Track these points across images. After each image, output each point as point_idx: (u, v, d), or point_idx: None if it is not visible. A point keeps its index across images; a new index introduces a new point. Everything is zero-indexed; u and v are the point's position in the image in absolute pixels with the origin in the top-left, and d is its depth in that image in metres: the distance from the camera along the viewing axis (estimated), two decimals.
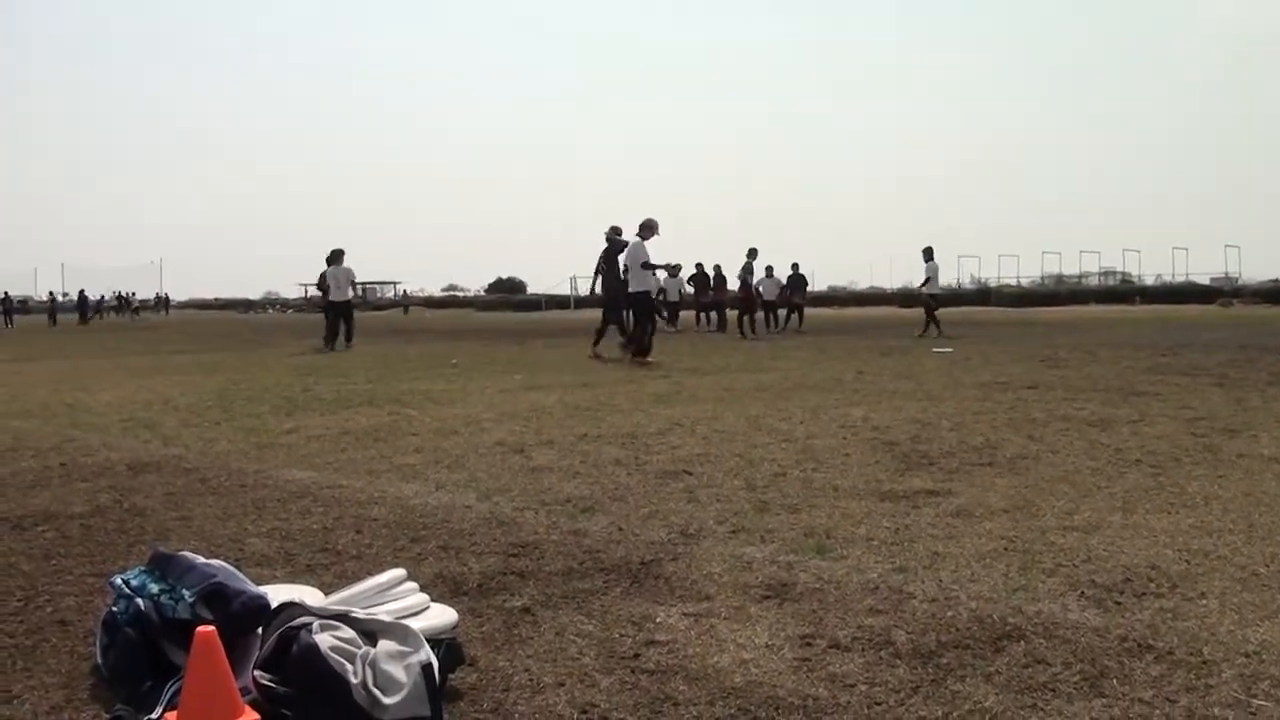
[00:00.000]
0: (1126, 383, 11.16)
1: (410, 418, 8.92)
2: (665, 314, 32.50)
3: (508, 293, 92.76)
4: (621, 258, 16.47)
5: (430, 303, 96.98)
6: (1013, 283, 75.62)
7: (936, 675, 2.93)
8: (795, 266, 30.99)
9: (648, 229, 16.19)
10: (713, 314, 32.01)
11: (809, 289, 33.61)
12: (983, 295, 63.31)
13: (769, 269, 31.32)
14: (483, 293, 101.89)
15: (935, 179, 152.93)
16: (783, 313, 30.26)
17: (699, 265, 32.71)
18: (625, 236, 17.10)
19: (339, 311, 22.23)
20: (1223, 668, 2.96)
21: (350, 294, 22.70)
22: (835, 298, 70.31)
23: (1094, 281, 77.41)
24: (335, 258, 22.47)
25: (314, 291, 30.42)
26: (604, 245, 17.59)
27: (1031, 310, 52.79)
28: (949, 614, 3.45)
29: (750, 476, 5.93)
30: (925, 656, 3.07)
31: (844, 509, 5.04)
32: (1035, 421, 8.05)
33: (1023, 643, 3.17)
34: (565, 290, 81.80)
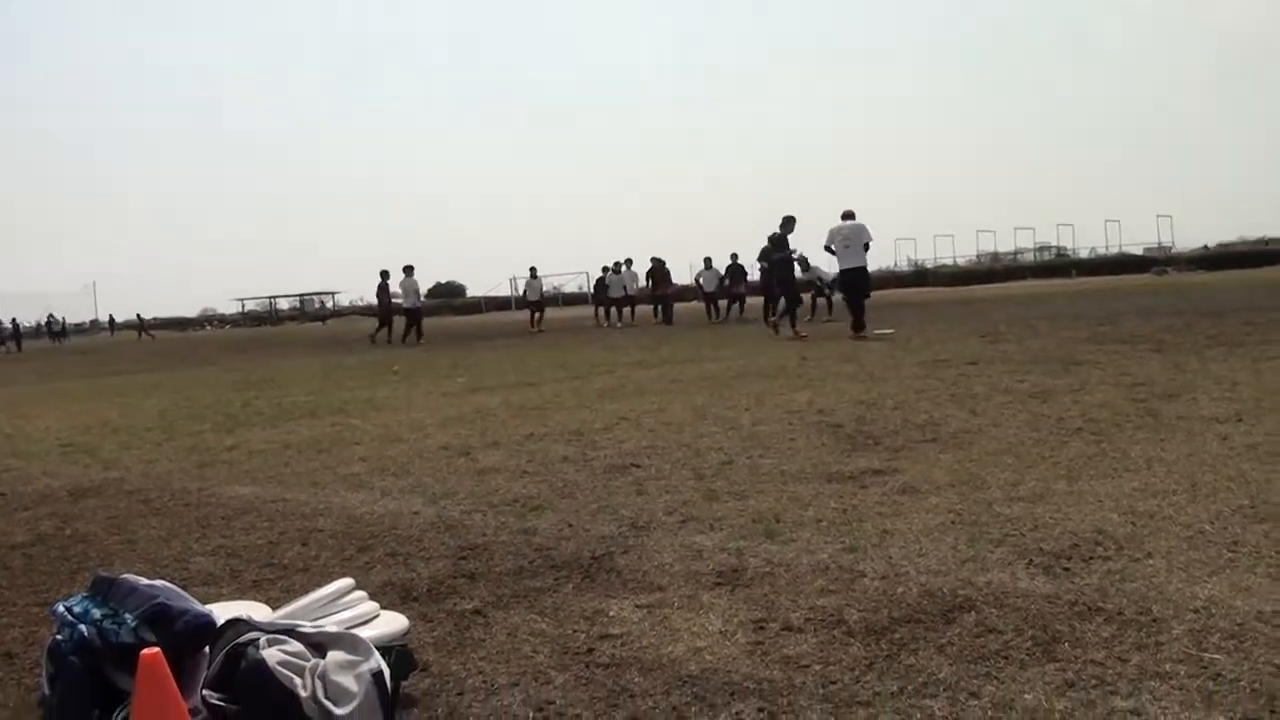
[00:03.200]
0: (1066, 353, 11.31)
1: (353, 427, 8.84)
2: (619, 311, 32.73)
3: (448, 297, 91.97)
4: (840, 239, 17.47)
5: (370, 311, 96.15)
6: (949, 262, 76.33)
7: (890, 651, 2.95)
8: (734, 256, 30.97)
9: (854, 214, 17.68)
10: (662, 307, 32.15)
11: (749, 278, 33.65)
12: (920, 276, 63.91)
13: (707, 260, 31.62)
14: (423, 298, 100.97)
15: (867, 162, 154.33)
16: (724, 303, 30.38)
17: (655, 259, 32.94)
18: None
19: (412, 317, 27.66)
20: (1173, 624, 3.01)
21: (419, 302, 28.50)
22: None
23: (1029, 257, 78.31)
24: (409, 271, 28.05)
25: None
26: (767, 243, 20.45)
27: (969, 288, 53.34)
28: (899, 590, 3.47)
29: (698, 466, 5.94)
30: (878, 633, 3.09)
31: (792, 493, 5.06)
32: (977, 396, 8.13)
33: (974, 613, 3.20)
34: (505, 291, 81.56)
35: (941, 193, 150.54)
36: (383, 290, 28.89)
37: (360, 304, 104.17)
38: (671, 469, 5.92)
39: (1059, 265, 66.26)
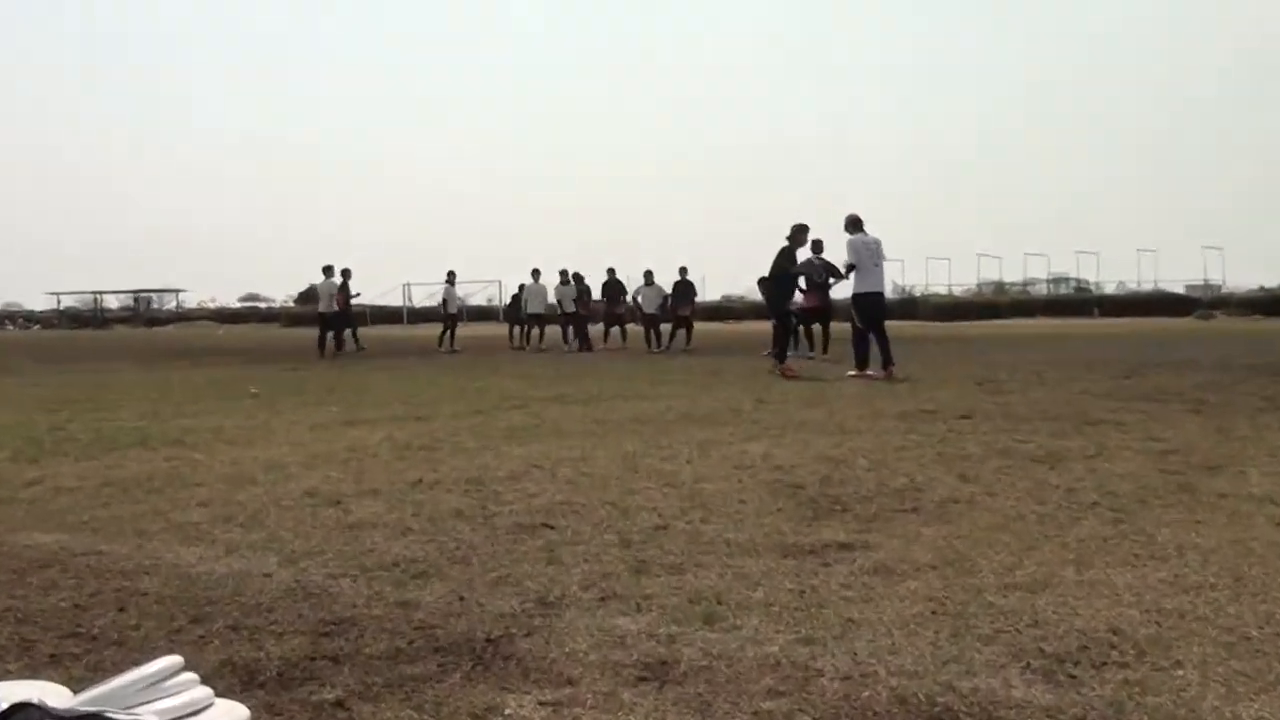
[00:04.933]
0: (1081, 410, 11.46)
1: (195, 462, 8.74)
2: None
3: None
4: (870, 255, 17.95)
5: (222, 316, 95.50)
6: (943, 291, 77.31)
7: None
8: (683, 272, 30.65)
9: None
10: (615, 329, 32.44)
11: (698, 299, 33.65)
12: (908, 306, 64.56)
13: (648, 275, 31.40)
14: (291, 303, 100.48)
15: (850, 170, 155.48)
16: (666, 328, 30.34)
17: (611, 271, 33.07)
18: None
19: (324, 324, 30.65)
20: None
21: (333, 306, 30.99)
22: (731, 310, 70.89)
23: (1042, 289, 79.61)
24: (326, 271, 31.15)
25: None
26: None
27: (966, 324, 54.06)
28: (865, 694, 3.48)
29: (625, 530, 5.94)
30: None
31: (738, 568, 5.07)
32: (970, 458, 8.22)
33: None
34: (397, 300, 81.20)
35: (937, 207, 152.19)
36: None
37: (210, 304, 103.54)
38: (592, 532, 5.91)
39: (1078, 301, 67.46)
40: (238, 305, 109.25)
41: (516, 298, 35.98)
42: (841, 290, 21.28)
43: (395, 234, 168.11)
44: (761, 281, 20.82)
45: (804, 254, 19.99)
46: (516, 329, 35.16)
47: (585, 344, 31.54)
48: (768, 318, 21.06)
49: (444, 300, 35.76)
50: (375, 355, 29.43)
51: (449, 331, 33.64)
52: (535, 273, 34.30)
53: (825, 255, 22.30)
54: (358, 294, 32.59)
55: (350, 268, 31.70)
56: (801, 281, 21.96)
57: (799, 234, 19.19)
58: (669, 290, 30.71)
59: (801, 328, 23.56)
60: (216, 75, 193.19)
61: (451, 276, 35.60)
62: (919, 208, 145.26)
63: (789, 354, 19.15)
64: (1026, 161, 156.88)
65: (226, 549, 5.71)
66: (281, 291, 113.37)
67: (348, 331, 31.42)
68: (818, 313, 23.42)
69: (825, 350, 22.78)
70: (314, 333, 31.47)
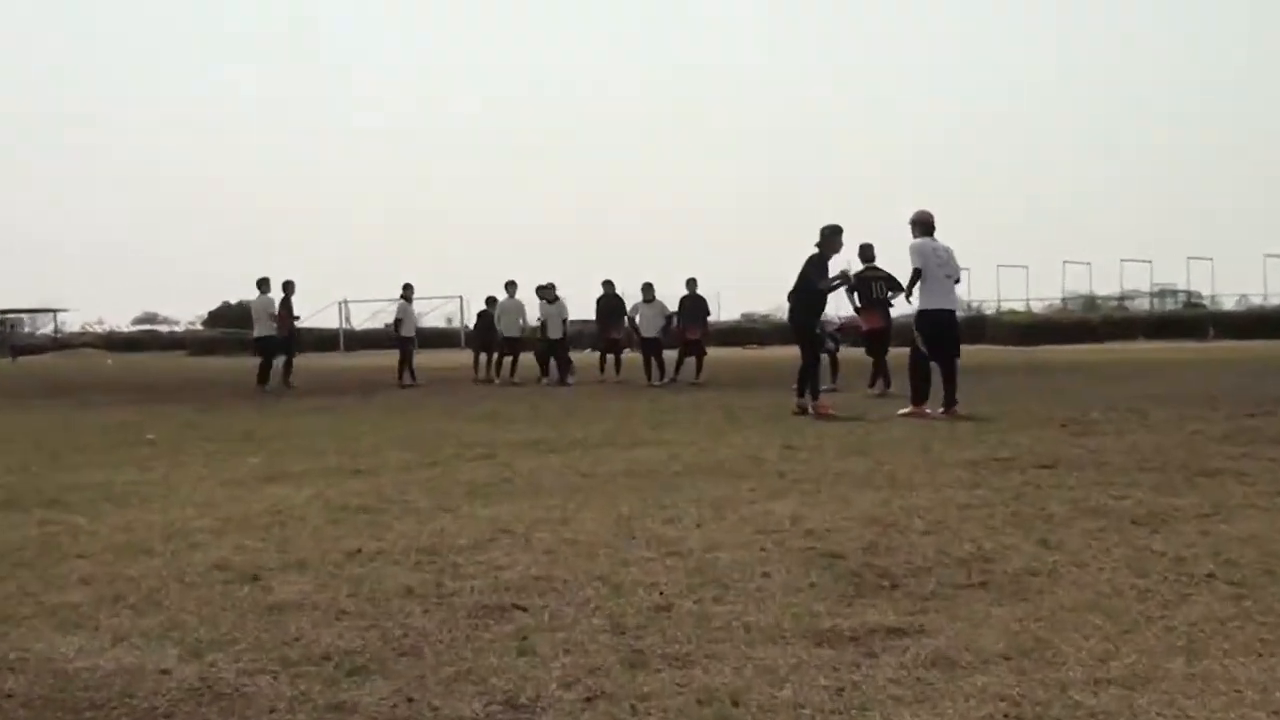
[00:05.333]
0: (1192, 457, 11.45)
1: (75, 528, 8.73)
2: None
3: (238, 327, 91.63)
4: (940, 264, 18.06)
5: (112, 342, 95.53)
6: (1020, 307, 77.34)
7: None
8: (692, 285, 30.27)
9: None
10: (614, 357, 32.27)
11: (711, 319, 33.45)
12: (976, 325, 64.57)
13: (647, 289, 31.06)
14: (199, 326, 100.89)
15: (906, 160, 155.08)
16: (670, 356, 30.17)
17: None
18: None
19: (262, 349, 31.41)
20: None
21: (273, 328, 31.39)
22: (753, 331, 70.94)
23: (1144, 304, 79.70)
24: (406, 293, 34.88)
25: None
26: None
27: (1048, 348, 54.05)
28: None
29: (617, 612, 5.94)
30: None
31: (760, 660, 5.08)
32: (1053, 519, 8.22)
33: None
34: (332, 321, 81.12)
35: (1011, 204, 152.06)
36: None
37: (98, 329, 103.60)
38: (575, 615, 5.91)
39: (1189, 320, 67.49)
40: (131, 329, 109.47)
41: (485, 316, 35.54)
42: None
43: (329, 240, 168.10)
44: (792, 296, 20.72)
45: (839, 263, 19.76)
46: (483, 356, 34.80)
47: (564, 375, 31.37)
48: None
49: (398, 320, 35.00)
50: (305, 391, 29.34)
51: (406, 361, 33.34)
52: (510, 285, 33.77)
53: (878, 264, 22.34)
54: (299, 317, 32.90)
55: (293, 280, 31.96)
56: (856, 298, 21.98)
57: (831, 239, 18.86)
58: (673, 308, 30.38)
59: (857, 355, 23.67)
60: (112, 61, 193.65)
61: (408, 291, 35.11)
62: (986, 206, 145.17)
63: (822, 387, 19.05)
64: (1120, 149, 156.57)
65: (114, 638, 5.70)
66: (187, 311, 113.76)
67: (279, 360, 31.30)
68: (880, 336, 23.14)
69: (878, 382, 22.55)
70: (234, 363, 31.37)
